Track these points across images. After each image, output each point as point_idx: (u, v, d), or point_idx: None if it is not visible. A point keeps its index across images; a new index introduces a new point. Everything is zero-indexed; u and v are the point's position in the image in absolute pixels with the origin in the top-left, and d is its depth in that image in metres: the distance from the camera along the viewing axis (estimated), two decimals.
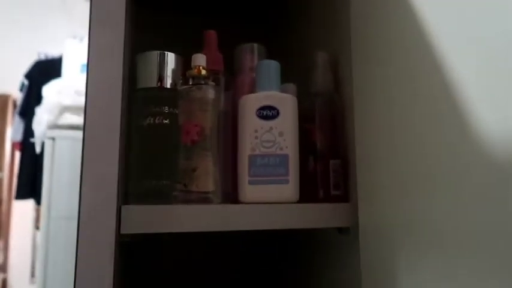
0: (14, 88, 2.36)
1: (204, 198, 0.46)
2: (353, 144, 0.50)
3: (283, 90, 0.55)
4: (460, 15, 0.36)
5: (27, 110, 1.99)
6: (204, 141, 0.48)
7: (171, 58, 0.52)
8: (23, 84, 2.12)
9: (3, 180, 2.44)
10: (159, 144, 0.50)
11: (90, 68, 0.40)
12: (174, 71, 0.52)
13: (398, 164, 0.43)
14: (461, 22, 0.36)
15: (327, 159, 0.52)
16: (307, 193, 0.51)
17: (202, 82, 0.48)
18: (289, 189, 0.48)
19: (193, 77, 0.48)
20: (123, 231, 0.41)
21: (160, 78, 0.51)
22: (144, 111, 0.50)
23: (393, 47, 0.44)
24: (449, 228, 0.36)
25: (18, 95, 2.26)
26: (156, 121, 0.49)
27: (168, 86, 0.52)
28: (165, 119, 0.50)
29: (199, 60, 0.49)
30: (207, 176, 0.47)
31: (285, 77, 0.58)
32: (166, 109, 0.50)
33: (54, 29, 2.22)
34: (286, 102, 0.49)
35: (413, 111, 0.41)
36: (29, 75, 2.09)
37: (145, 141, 0.50)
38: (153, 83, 0.51)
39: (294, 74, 0.64)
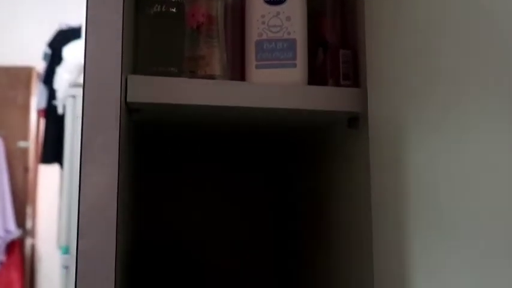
0: (37, 61, 2.41)
1: None
2: (363, 34, 0.49)
3: None
4: None
5: (50, 78, 2.04)
6: (209, 27, 0.47)
7: None
8: (45, 54, 2.17)
9: (29, 150, 2.52)
10: (165, 32, 0.50)
11: None
12: None
13: (408, 48, 0.41)
14: None
15: (337, 50, 0.51)
16: (316, 84, 0.50)
17: None
18: (297, 72, 0.47)
19: None
20: (129, 99, 0.41)
21: None
22: None
23: None
24: (460, 100, 0.35)
25: (41, 67, 2.31)
26: (163, 9, 0.49)
27: None
28: (172, 8, 0.50)
29: None
30: (214, 62, 0.47)
31: None
32: None
33: None
34: None
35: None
36: (51, 44, 2.13)
37: (152, 29, 0.50)
38: None
39: None
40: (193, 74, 0.47)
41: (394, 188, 0.43)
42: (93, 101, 0.39)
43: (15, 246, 2.42)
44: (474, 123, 0.33)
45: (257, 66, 0.48)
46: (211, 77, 0.47)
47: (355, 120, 0.52)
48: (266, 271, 0.78)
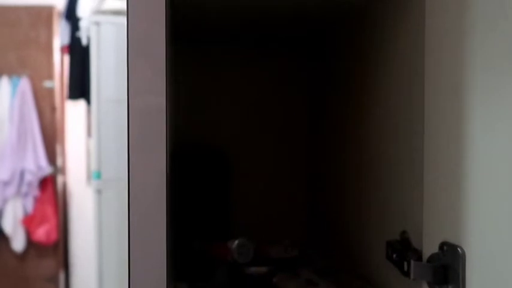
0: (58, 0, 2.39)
1: None
2: None
3: None
4: None
5: (72, 13, 2.02)
6: None
7: None
8: None
9: (55, 89, 2.56)
10: None
11: None
12: None
13: None
14: None
15: None
16: None
17: None
18: None
19: None
20: None
21: None
22: None
23: None
24: None
25: (62, 6, 2.28)
26: None
27: None
28: None
29: None
30: None
31: None
32: None
33: None
34: None
35: None
36: None
37: None
38: None
39: None
40: None
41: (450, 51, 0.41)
42: None
43: (48, 183, 2.52)
44: None
45: None
46: None
47: None
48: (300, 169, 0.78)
